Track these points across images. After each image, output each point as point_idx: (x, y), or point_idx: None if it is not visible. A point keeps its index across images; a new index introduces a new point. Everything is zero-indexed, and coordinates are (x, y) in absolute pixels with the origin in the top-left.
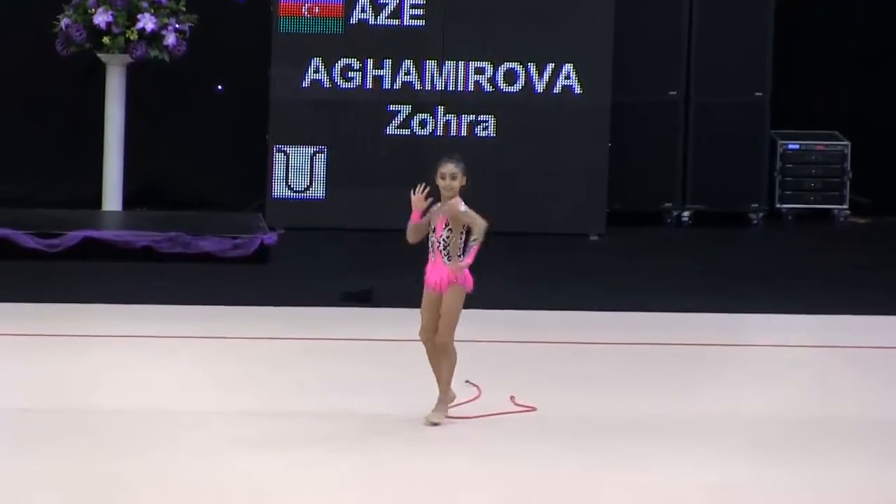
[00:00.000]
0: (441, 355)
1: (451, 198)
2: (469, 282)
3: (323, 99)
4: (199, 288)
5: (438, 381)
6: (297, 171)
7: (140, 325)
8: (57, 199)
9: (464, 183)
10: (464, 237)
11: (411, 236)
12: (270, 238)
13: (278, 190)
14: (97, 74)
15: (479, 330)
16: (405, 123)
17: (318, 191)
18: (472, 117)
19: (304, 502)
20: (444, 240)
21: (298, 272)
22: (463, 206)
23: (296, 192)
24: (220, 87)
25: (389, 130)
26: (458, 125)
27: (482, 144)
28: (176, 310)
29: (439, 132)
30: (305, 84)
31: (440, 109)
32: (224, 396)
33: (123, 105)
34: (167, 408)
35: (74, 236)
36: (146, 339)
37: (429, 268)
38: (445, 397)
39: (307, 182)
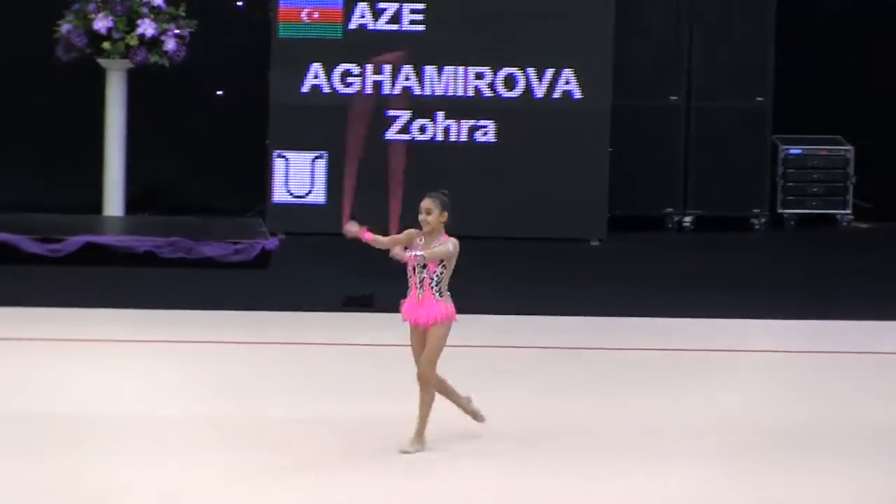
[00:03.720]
0: (422, 388)
1: (430, 232)
2: (454, 314)
3: (322, 104)
4: (200, 293)
5: (456, 400)
6: (298, 175)
7: (141, 329)
8: (59, 204)
9: (444, 219)
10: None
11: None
12: (271, 243)
13: (279, 195)
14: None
15: (477, 334)
16: (405, 128)
17: (319, 196)
18: (472, 122)
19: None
20: (437, 276)
21: (299, 277)
22: (440, 246)
23: (296, 196)
24: (220, 92)
25: (389, 135)
26: (458, 130)
27: (482, 149)
28: (177, 314)
29: (439, 137)
30: (305, 89)
31: (440, 115)
32: (222, 400)
33: (124, 110)
34: (163, 413)
35: (76, 241)
36: (147, 343)
37: (411, 304)
38: (422, 432)
39: (308, 187)
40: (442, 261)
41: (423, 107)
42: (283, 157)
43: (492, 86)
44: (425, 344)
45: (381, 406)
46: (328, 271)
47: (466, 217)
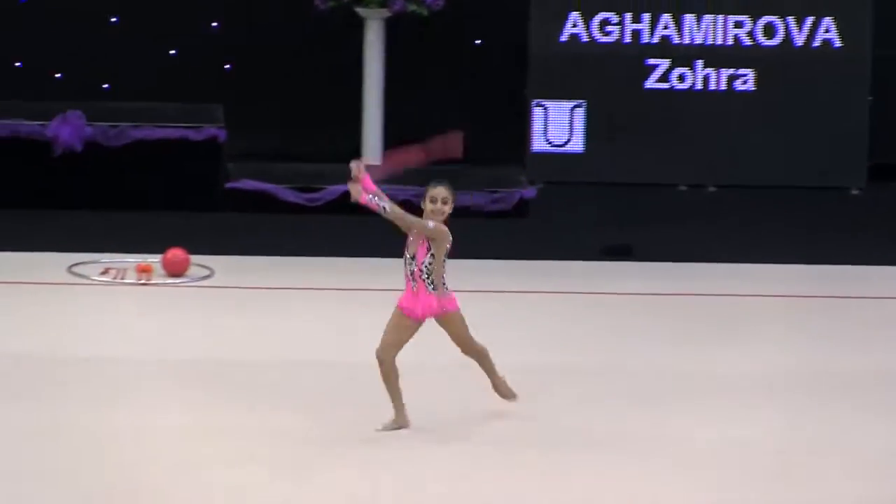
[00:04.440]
0: (475, 359)
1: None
2: (454, 304)
3: (581, 53)
4: (458, 242)
5: (393, 398)
6: (556, 125)
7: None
8: (317, 154)
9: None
10: (445, 264)
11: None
12: (530, 192)
13: (537, 144)
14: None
15: (747, 284)
16: (664, 77)
17: (577, 145)
18: (731, 71)
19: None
20: (426, 267)
21: (558, 226)
22: (432, 224)
23: (555, 146)
24: (478, 41)
25: (648, 84)
26: (717, 79)
27: (741, 98)
28: None
29: (698, 86)
30: (563, 38)
31: (699, 63)
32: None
33: (382, 59)
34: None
35: (334, 190)
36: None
37: (408, 297)
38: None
39: (566, 136)
40: (429, 249)
41: (683, 55)
42: (542, 106)
43: (751, 34)
44: (402, 332)
45: (651, 352)
46: (586, 220)
47: (725, 166)
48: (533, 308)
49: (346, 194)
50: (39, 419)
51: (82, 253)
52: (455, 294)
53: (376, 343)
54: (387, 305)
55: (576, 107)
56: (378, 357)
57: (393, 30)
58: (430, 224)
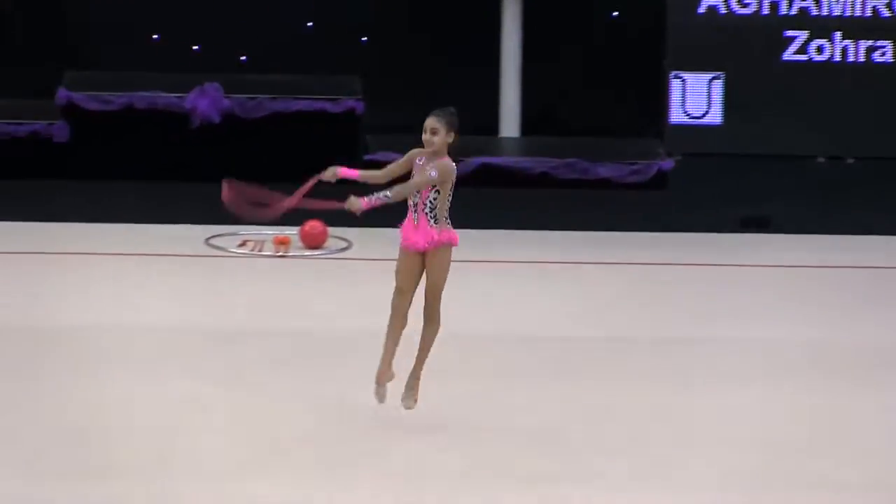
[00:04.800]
0: (430, 321)
1: (435, 153)
2: (456, 238)
3: (719, 24)
4: (596, 214)
5: (386, 353)
6: (695, 96)
7: (537, 250)
8: None
9: (450, 139)
10: (450, 198)
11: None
12: (668, 164)
13: (675, 116)
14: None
15: (887, 256)
16: (802, 49)
17: (716, 116)
18: (870, 43)
19: None
20: (430, 202)
21: (696, 198)
22: (434, 173)
23: (693, 117)
24: (615, 12)
25: (786, 56)
26: (856, 51)
27: (880, 70)
28: (574, 235)
29: (837, 58)
30: (701, 10)
31: (837, 35)
32: (625, 320)
33: (519, 32)
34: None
35: (472, 163)
36: (543, 265)
37: (408, 227)
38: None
39: (704, 108)
40: (434, 186)
41: (821, 27)
42: (680, 77)
43: (889, 6)
44: (412, 268)
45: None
46: (725, 192)
47: (864, 137)
48: (667, 281)
49: (484, 165)
50: (186, 390)
51: (220, 225)
52: (456, 232)
53: (524, 317)
54: (529, 277)
55: (714, 78)
56: (392, 304)
57: (530, 3)
58: (433, 174)
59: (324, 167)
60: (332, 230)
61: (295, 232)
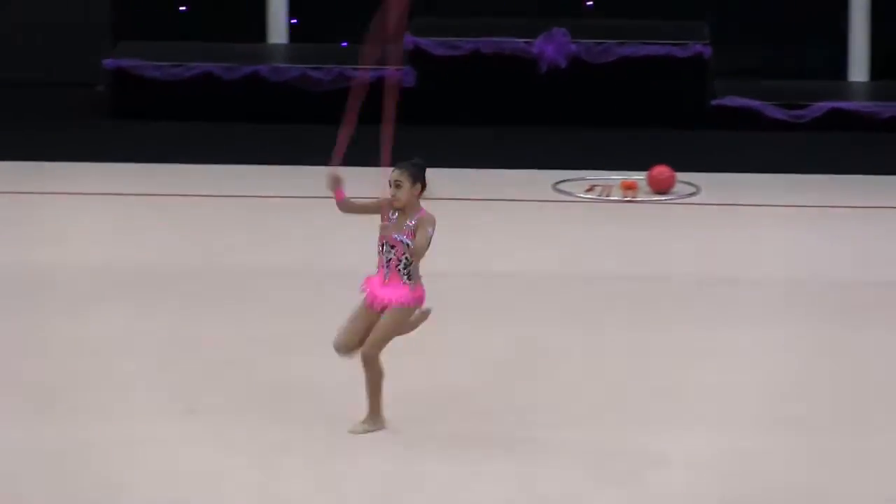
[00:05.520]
0: (366, 369)
1: (408, 207)
2: (423, 297)
3: None
4: None
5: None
6: None
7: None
8: (802, 70)
9: (417, 192)
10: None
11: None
12: None
13: None
14: None
15: None
16: None
17: None
18: None
19: None
20: (406, 258)
21: None
22: (431, 230)
23: None
24: None
25: None
26: None
27: None
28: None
29: None
30: None
31: None
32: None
33: None
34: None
35: (820, 107)
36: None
37: (375, 283)
38: (376, 415)
39: None
40: (410, 247)
41: None
42: None
43: None
44: (365, 321)
45: None
46: None
47: None
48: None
49: (832, 111)
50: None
51: (567, 170)
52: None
53: None
54: None
55: None
56: (364, 357)
57: None
58: (430, 231)
59: (671, 112)
60: (679, 175)
61: (642, 177)
